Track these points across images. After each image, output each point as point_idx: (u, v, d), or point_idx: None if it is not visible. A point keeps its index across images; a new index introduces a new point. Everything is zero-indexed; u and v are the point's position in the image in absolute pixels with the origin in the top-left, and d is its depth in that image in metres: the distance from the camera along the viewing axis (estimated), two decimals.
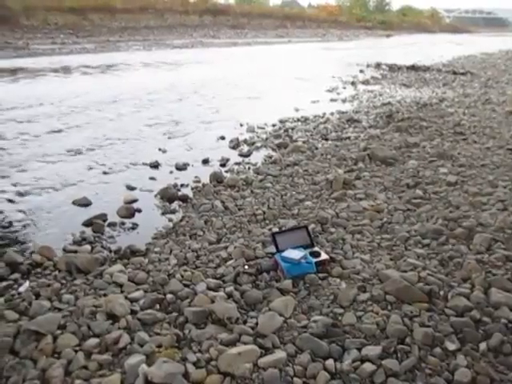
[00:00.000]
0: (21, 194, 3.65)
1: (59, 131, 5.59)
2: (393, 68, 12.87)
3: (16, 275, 2.38)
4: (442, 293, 2.12)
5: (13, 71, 10.29)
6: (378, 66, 13.51)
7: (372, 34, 37.30)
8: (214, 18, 30.63)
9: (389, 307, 2.04)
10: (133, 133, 5.64)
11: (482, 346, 1.80)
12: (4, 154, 4.65)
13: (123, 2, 26.90)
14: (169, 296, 2.16)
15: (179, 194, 3.71)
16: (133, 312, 2.04)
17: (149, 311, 2.04)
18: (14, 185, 3.84)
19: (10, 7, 19.33)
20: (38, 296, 2.17)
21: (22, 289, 2.24)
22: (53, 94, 7.73)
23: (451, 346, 1.80)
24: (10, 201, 3.53)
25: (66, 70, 11.04)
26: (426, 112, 6.46)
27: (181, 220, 3.22)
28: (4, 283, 2.27)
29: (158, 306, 2.10)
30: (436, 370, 1.71)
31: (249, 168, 4.39)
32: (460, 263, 2.39)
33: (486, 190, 3.42)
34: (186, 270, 2.42)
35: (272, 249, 2.53)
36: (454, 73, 11.84)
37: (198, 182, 4.01)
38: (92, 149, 4.95)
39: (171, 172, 4.33)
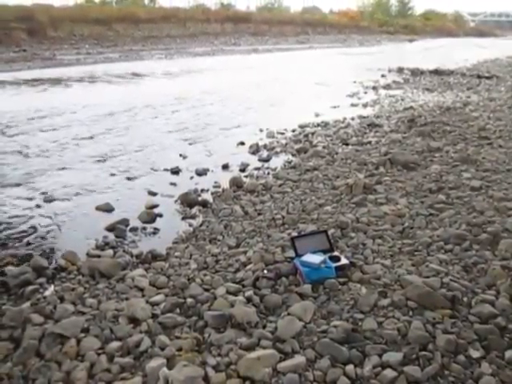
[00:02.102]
0: (47, 200, 3.74)
1: (83, 139, 5.71)
2: (415, 72, 12.71)
3: (42, 279, 2.44)
4: (465, 299, 2.08)
5: (41, 81, 10.60)
6: (400, 70, 13.37)
7: (394, 38, 36.95)
8: (235, 25, 30.92)
9: (410, 313, 2.01)
10: (154, 139, 5.73)
11: (508, 353, 1.75)
12: (32, 161, 4.79)
13: (146, 11, 27.45)
14: (189, 300, 2.18)
15: (199, 199, 3.74)
16: (154, 316, 2.07)
17: (169, 315, 2.06)
18: (40, 191, 3.95)
19: (37, 19, 19.96)
20: (62, 300, 2.21)
21: (47, 293, 2.29)
22: (78, 102, 7.92)
23: (475, 354, 1.77)
24: (37, 206, 3.62)
25: (91, 79, 11.31)
26: (449, 116, 6.36)
27: (201, 225, 3.25)
28: (30, 287, 2.33)
29: (178, 310, 2.12)
30: (459, 377, 1.67)
31: (268, 173, 4.40)
32: (484, 269, 2.34)
33: (511, 195, 3.34)
34: (205, 275, 2.44)
35: (291, 253, 2.52)
36: (479, 76, 11.62)
37: (218, 187, 4.04)
38: (115, 156, 5.05)
39: (191, 177, 4.37)
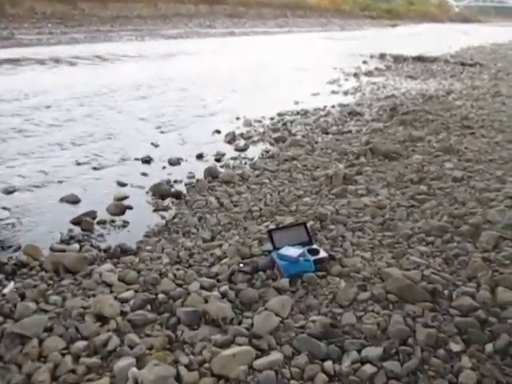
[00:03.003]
0: (6, 192, 3.64)
1: (46, 125, 5.58)
2: (398, 59, 12.86)
3: (0, 276, 2.38)
4: (446, 292, 2.13)
5: None
6: (382, 56, 13.51)
7: (377, 23, 37.25)
8: (210, 6, 30.56)
9: (390, 307, 2.05)
10: (124, 127, 5.64)
11: (488, 347, 1.80)
12: None
13: None
14: (160, 296, 2.16)
15: (172, 190, 3.72)
16: (123, 313, 2.04)
17: (139, 312, 2.05)
18: None
19: None
20: (23, 297, 2.16)
21: (6, 290, 2.23)
22: (40, 86, 7.71)
23: (456, 348, 1.81)
24: None
25: (54, 61, 11.01)
26: (432, 105, 6.47)
27: (174, 217, 3.23)
28: None
29: (149, 307, 2.11)
30: (439, 372, 1.71)
31: (245, 163, 4.40)
32: (465, 261, 2.40)
33: (493, 185, 3.43)
34: (178, 269, 2.43)
35: (269, 247, 2.53)
36: (463, 64, 11.84)
37: (192, 177, 4.02)
38: (81, 143, 4.95)
39: (164, 167, 4.34)
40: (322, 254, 2.43)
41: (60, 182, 3.92)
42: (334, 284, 2.23)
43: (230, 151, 4.81)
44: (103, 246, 2.83)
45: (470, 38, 23.91)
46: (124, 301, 2.14)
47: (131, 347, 1.83)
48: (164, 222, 3.19)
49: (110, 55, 12.31)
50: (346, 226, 2.88)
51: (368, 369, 1.72)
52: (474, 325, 1.91)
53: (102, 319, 2.00)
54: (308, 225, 2.73)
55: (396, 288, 2.11)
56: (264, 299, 2.13)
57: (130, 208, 3.45)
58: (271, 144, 5.01)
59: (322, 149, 4.61)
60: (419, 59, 12.80)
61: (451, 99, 7.03)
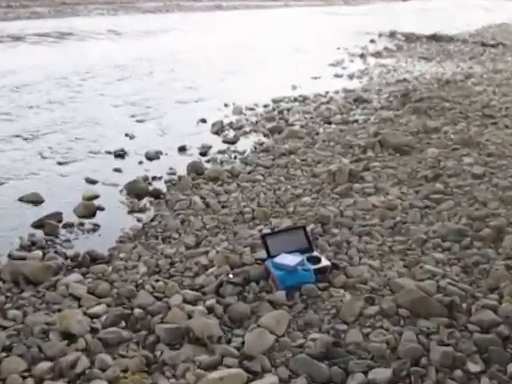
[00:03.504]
0: None
1: (5, 113, 5.54)
2: (410, 38, 12.93)
3: None
4: (464, 305, 2.14)
5: None
6: (392, 35, 13.57)
7: None
8: None
9: (401, 322, 2.06)
10: (94, 114, 5.62)
11: (511, 367, 1.82)
12: None
13: None
14: (137, 311, 2.16)
15: (150, 188, 3.71)
16: (93, 330, 2.04)
17: (112, 329, 2.04)
18: None
19: None
20: None
21: None
22: None
23: (474, 368, 1.83)
24: None
25: (13, 38, 10.93)
26: (448, 91, 6.51)
27: (152, 220, 3.23)
28: None
29: (123, 323, 2.11)
30: None
31: (235, 157, 4.39)
32: (486, 270, 2.42)
33: None
34: (157, 280, 2.42)
35: (262, 254, 2.53)
36: (483, 44, 11.92)
37: (173, 174, 4.02)
38: (45, 133, 4.93)
39: (140, 162, 4.33)
40: (324, 262, 2.43)
41: (19, 178, 3.90)
42: (337, 297, 2.24)
43: (217, 143, 4.81)
44: (70, 253, 2.81)
45: (492, 14, 24.08)
46: (94, 316, 2.14)
47: (103, 369, 1.83)
48: (141, 225, 3.18)
49: (79, 32, 12.24)
50: (352, 229, 2.89)
51: None
52: (496, 342, 1.93)
53: (68, 337, 2.00)
54: (308, 229, 2.73)
55: (408, 301, 2.12)
56: (257, 314, 2.13)
57: (102, 209, 3.44)
58: (265, 135, 5.01)
59: (324, 141, 4.62)
60: (434, 38, 12.87)
61: (470, 84, 7.07)
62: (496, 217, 2.93)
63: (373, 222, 2.98)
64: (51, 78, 7.19)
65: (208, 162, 4.30)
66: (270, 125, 5.29)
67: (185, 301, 2.23)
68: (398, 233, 2.87)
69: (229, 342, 1.98)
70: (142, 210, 3.42)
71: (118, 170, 4.14)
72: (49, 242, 2.95)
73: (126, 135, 5.00)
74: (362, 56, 10.20)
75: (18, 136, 4.85)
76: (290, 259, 2.38)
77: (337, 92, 6.84)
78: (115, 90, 6.78)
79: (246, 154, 4.45)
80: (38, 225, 3.13)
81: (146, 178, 3.91)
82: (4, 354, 1.89)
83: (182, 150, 4.64)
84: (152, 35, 12.53)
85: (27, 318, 2.11)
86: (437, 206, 3.17)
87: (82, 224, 3.22)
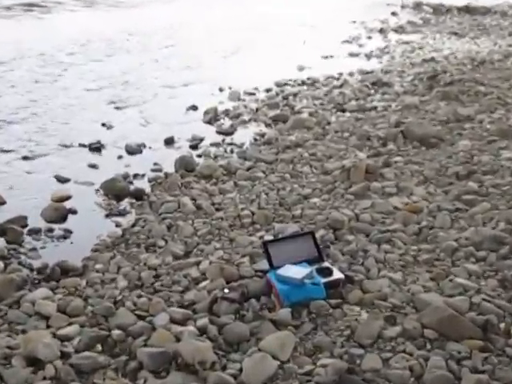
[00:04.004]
0: None
1: None
2: (438, 9, 12.92)
3: None
4: (502, 325, 2.14)
5: None
6: (417, 5, 13.56)
7: None
8: None
9: (428, 346, 2.06)
10: (65, 101, 5.63)
11: None
12: None
13: None
14: (116, 332, 2.17)
15: (131, 188, 3.72)
16: (64, 355, 2.04)
17: (87, 354, 2.05)
18: None
19: None
20: None
21: None
22: None
23: None
24: None
25: None
26: (484, 72, 6.50)
27: (133, 225, 3.23)
28: None
29: (99, 347, 2.11)
30: None
31: (231, 151, 4.40)
32: None
33: None
34: (140, 296, 2.43)
35: (264, 265, 2.54)
36: None
37: (159, 170, 4.02)
38: (9, 122, 4.93)
39: (120, 157, 4.34)
40: (337, 274, 2.43)
41: None
42: (352, 315, 2.24)
43: (210, 135, 4.81)
44: (37, 264, 2.82)
45: None
46: (65, 339, 2.14)
47: None
48: (120, 231, 3.18)
49: (42, 3, 12.21)
50: (369, 236, 2.89)
51: None
52: None
53: (35, 363, 2.00)
54: (317, 235, 2.73)
55: (435, 320, 2.12)
56: (257, 336, 2.13)
57: (74, 212, 3.45)
58: (267, 125, 5.02)
59: (337, 132, 4.62)
60: (467, 10, 12.86)
61: (510, 65, 7.07)
62: None
63: (394, 227, 2.98)
64: (8, 59, 7.16)
65: (200, 156, 4.30)
66: (272, 113, 5.29)
67: (172, 320, 2.23)
68: (423, 240, 2.87)
69: (224, 368, 1.98)
70: (122, 214, 3.42)
71: (93, 166, 4.14)
72: (11, 252, 2.94)
73: (104, 125, 5.00)
74: (381, 31, 10.19)
75: None
76: (296, 271, 2.39)
77: (352, 74, 6.84)
78: (87, 72, 6.77)
79: (244, 148, 4.45)
80: None
81: (126, 176, 3.91)
82: None
83: (169, 142, 4.64)
84: (131, 7, 12.50)
85: None
86: (470, 208, 3.17)
87: (50, 230, 3.22)
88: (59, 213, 3.38)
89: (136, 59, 7.53)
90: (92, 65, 7.11)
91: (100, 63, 7.24)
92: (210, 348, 2.04)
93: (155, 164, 4.13)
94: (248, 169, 3.93)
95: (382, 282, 2.46)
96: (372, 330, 2.13)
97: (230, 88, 6.17)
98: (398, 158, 3.96)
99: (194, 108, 5.54)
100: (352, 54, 8.22)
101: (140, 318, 2.27)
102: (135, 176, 3.96)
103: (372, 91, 6.01)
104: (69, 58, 7.45)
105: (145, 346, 2.08)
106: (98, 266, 2.76)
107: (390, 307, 2.29)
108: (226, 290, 2.40)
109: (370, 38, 9.63)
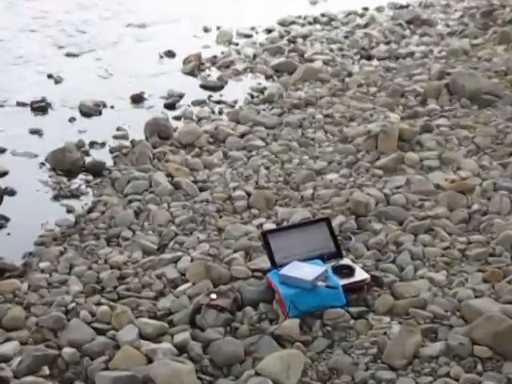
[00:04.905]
0: None
1: None
2: None
3: None
4: None
5: None
6: None
7: None
8: None
9: (479, 367, 2.06)
10: (5, 43, 5.61)
11: None
12: None
13: None
14: (67, 351, 2.17)
15: (87, 160, 3.72)
16: (1, 381, 2.04)
17: (30, 379, 2.05)
18: None
19: None
20: None
21: None
22: None
23: None
24: None
25: None
26: None
27: (90, 210, 3.23)
28: None
29: (46, 370, 2.11)
30: None
31: (220, 112, 4.39)
32: None
33: None
34: (99, 303, 2.43)
35: (263, 262, 2.55)
36: None
37: (124, 137, 4.03)
38: None
39: (72, 119, 4.33)
40: (360, 275, 2.44)
41: None
42: (379, 328, 2.24)
43: (192, 90, 4.80)
44: None
45: None
46: (2, 359, 2.14)
47: None
48: (73, 218, 3.19)
49: None
50: (403, 224, 2.89)
51: None
52: None
53: None
54: (334, 223, 2.73)
55: (490, 334, 2.12)
56: (254, 356, 2.13)
57: (12, 193, 3.45)
58: (268, 77, 5.01)
59: (361, 86, 4.61)
60: None
61: None
62: None
63: (436, 211, 2.98)
64: None
65: (178, 118, 4.31)
66: (275, 61, 5.27)
67: (142, 335, 2.23)
68: (474, 229, 2.88)
69: None
70: (75, 195, 3.42)
71: (36, 132, 4.13)
72: None
73: (50, 77, 4.99)
74: None
75: None
76: (306, 270, 2.38)
77: (381, 9, 6.81)
78: (31, 8, 6.71)
79: (237, 107, 4.44)
80: None
81: (80, 145, 3.90)
82: None
83: (138, 100, 4.63)
84: None
85: None
86: None
87: None
88: None
89: None
90: (26, 2, 7.03)
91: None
92: (193, 371, 2.04)
93: (119, 129, 4.13)
94: (242, 135, 3.93)
95: (420, 285, 2.46)
96: (406, 348, 2.12)
97: (219, 28, 6.14)
98: (441, 121, 3.96)
99: (171, 54, 5.53)
100: None
101: (99, 332, 2.27)
102: (92, 145, 3.95)
103: (407, 32, 5.98)
104: None
105: (106, 368, 2.09)
106: (43, 265, 2.75)
107: (430, 317, 2.29)
108: (214, 296, 2.39)
109: None
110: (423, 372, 2.06)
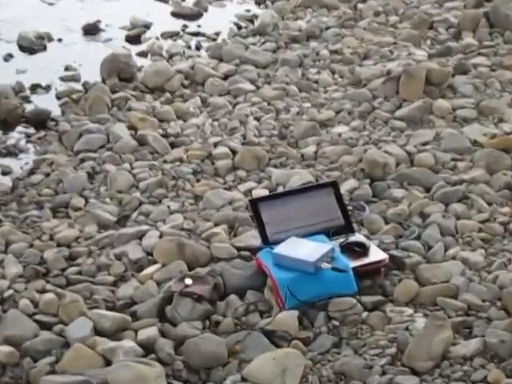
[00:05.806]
0: None
1: None
2: None
3: None
4: None
5: None
6: None
7: None
8: None
9: None
10: None
11: None
12: None
13: None
14: (3, 350, 2.17)
15: (28, 109, 3.74)
16: None
17: None
18: None
19: None
20: None
21: None
22: None
23: None
24: None
25: None
26: None
27: (32, 171, 3.25)
28: None
29: None
30: None
31: (198, 47, 4.41)
32: None
33: None
34: (43, 291, 2.43)
35: (252, 238, 2.56)
36: None
37: (75, 80, 4.04)
38: None
39: (8, 56, 4.34)
40: (375, 255, 2.45)
41: None
42: (400, 322, 2.25)
43: (161, 18, 4.83)
44: None
45: None
46: None
47: None
48: (10, 181, 3.20)
49: None
50: (431, 191, 2.90)
51: None
52: None
53: None
54: (343, 188, 2.74)
55: None
56: (240, 357, 2.15)
57: None
58: (259, 2, 5.02)
59: (378, 14, 4.60)
60: None
61: None
62: None
63: (472, 175, 2.99)
64: None
65: (144, 55, 4.32)
66: None
67: (98, 331, 2.24)
68: None
69: None
70: (13, 153, 3.43)
71: None
72: None
73: None
74: None
75: None
76: (306, 249, 2.39)
77: None
78: None
79: (219, 40, 4.44)
80: None
81: (19, 89, 3.90)
82: None
83: (92, 31, 4.63)
84: None
85: None
86: None
87: None
88: None
89: None
90: None
91: None
92: (162, 376, 2.05)
93: (68, 69, 4.13)
94: (225, 77, 3.93)
95: (452, 268, 2.47)
96: (433, 347, 2.14)
97: None
98: (479, 60, 3.96)
99: None
100: None
101: (44, 326, 2.28)
102: (34, 89, 3.96)
103: None
104: None
105: (52, 372, 2.10)
106: None
107: (464, 309, 2.31)
108: (189, 281, 2.40)
109: None
110: (454, 377, 2.07)
